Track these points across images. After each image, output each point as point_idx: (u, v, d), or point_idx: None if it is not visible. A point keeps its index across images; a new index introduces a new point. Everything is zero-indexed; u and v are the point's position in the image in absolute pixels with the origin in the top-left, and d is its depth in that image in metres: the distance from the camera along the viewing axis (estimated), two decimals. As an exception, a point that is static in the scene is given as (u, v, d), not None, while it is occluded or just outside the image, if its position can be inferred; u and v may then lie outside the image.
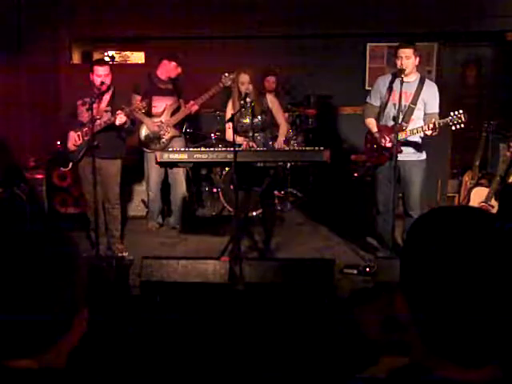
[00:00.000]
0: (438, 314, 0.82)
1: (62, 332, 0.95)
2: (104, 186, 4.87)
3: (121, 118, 4.55)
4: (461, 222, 0.85)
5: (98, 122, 4.65)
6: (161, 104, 5.39)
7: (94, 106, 4.66)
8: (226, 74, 5.07)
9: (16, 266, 0.91)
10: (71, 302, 0.96)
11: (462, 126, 4.08)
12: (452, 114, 4.10)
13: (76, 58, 7.63)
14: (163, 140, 5.41)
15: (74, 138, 4.73)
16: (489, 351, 0.82)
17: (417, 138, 4.41)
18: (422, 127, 4.23)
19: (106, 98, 4.73)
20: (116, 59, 7.74)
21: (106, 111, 4.71)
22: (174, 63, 5.41)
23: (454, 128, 4.12)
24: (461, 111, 4.07)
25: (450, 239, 0.82)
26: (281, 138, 4.89)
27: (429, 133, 4.21)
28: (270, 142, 5.01)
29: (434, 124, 4.15)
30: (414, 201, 4.48)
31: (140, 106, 4.75)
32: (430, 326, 0.84)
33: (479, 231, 0.83)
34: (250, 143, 4.75)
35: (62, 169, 5.13)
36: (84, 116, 4.68)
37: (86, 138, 4.67)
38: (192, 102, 5.35)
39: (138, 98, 5.19)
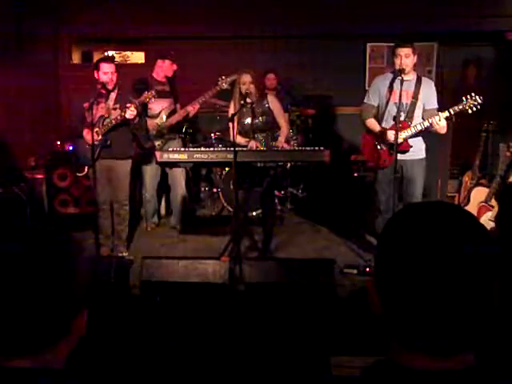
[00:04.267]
0: (408, 305, 0.83)
1: (61, 333, 0.95)
2: (114, 187, 4.83)
3: (131, 111, 4.51)
4: (432, 217, 0.87)
5: (108, 120, 4.64)
6: (157, 106, 5.37)
7: (101, 105, 4.66)
8: (223, 77, 5.06)
9: (15, 266, 0.90)
10: (71, 304, 0.95)
11: (479, 107, 4.08)
12: (465, 98, 4.10)
13: (76, 58, 7.63)
14: (162, 139, 5.42)
15: (89, 136, 4.54)
16: (459, 340, 0.84)
17: (418, 137, 4.41)
18: (434, 119, 4.17)
19: (113, 96, 4.70)
20: (116, 59, 7.73)
21: (115, 109, 4.68)
22: (168, 61, 5.40)
23: (470, 111, 4.10)
24: (473, 94, 4.10)
25: (421, 233, 0.84)
26: (282, 139, 4.88)
27: (442, 123, 4.15)
28: (272, 143, 5.00)
29: (450, 112, 4.14)
30: (416, 199, 4.48)
31: (148, 95, 4.71)
32: (399, 317, 0.85)
33: (449, 226, 0.84)
34: (255, 144, 4.73)
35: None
36: (93, 116, 4.58)
37: (98, 138, 4.61)
38: (191, 105, 5.33)
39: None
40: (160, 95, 5.32)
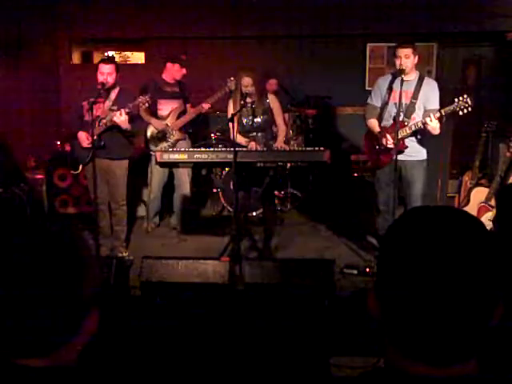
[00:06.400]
0: (408, 314, 0.82)
1: (74, 331, 0.95)
2: (111, 187, 4.83)
3: (119, 116, 4.49)
4: (436, 222, 0.84)
5: (104, 121, 4.63)
6: (166, 107, 5.39)
7: (99, 105, 4.65)
8: (232, 78, 5.06)
9: (27, 265, 0.90)
10: (82, 302, 0.96)
11: (470, 109, 4.07)
12: (456, 100, 4.10)
13: (76, 58, 7.64)
14: (169, 142, 5.42)
15: (86, 137, 4.62)
16: (460, 350, 0.82)
17: (418, 138, 4.42)
18: (426, 119, 4.17)
19: (112, 97, 4.69)
20: (116, 59, 7.74)
21: (112, 110, 4.66)
22: (177, 65, 5.42)
23: (461, 113, 4.10)
24: (465, 96, 4.08)
25: (424, 239, 0.82)
26: (281, 139, 4.89)
27: (434, 124, 4.13)
28: (271, 142, 5.01)
29: (441, 113, 4.14)
30: (415, 201, 4.47)
31: (143, 100, 4.69)
32: (399, 326, 0.84)
33: (453, 232, 0.82)
34: (254, 144, 4.74)
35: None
36: (92, 115, 4.57)
37: (94, 138, 4.62)
38: (205, 102, 5.32)
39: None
40: (169, 96, 5.34)
